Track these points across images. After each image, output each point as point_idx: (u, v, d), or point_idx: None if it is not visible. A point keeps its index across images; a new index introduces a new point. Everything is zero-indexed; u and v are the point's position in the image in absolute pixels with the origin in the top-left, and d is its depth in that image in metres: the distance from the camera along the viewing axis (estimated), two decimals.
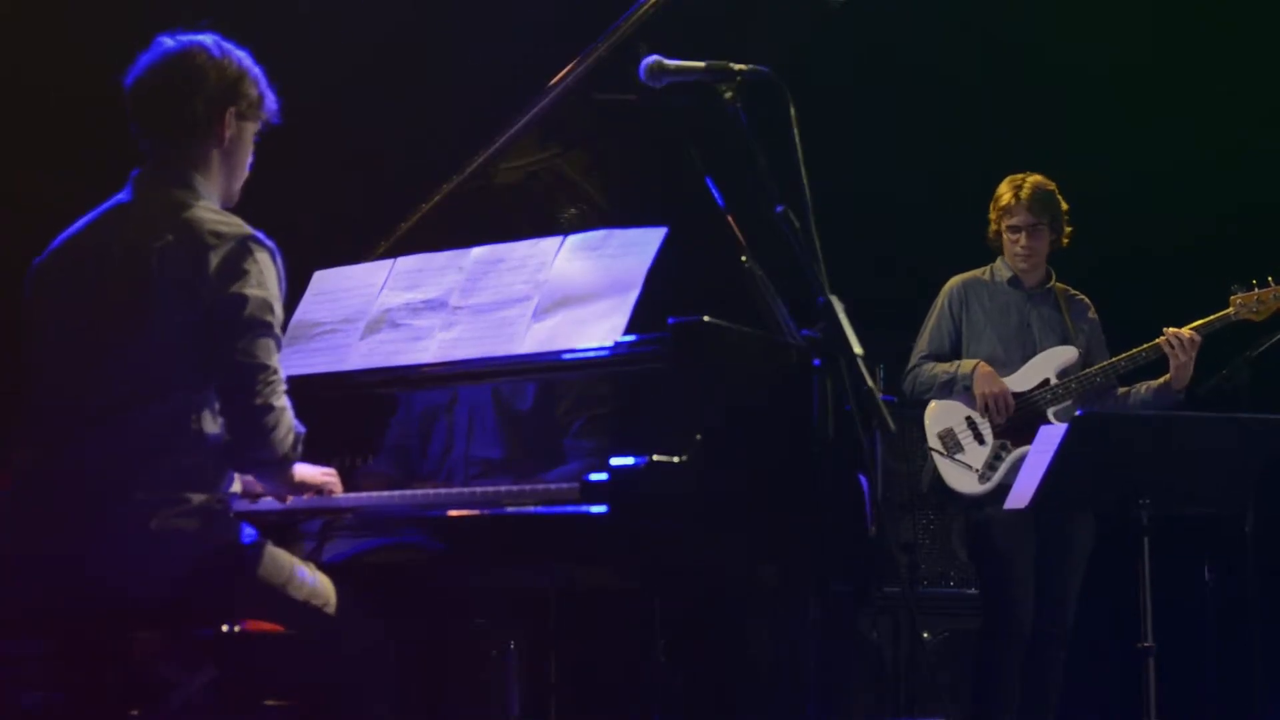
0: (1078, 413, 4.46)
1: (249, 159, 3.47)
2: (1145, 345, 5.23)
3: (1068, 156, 6.49)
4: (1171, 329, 5.18)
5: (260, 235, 3.30)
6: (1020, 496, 4.57)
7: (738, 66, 3.25)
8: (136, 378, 3.21)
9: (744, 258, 3.82)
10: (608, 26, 3.86)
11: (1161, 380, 5.26)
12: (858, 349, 3.00)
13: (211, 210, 3.33)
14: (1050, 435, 4.48)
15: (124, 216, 3.36)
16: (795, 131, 3.12)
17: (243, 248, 3.25)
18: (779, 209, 3.10)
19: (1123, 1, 6.70)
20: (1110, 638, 6.04)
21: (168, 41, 3.40)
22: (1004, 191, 5.42)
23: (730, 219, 3.82)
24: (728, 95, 3.25)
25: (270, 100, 3.47)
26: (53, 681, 3.18)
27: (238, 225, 3.29)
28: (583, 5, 4.39)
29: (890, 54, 6.73)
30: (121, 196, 3.40)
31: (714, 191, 3.81)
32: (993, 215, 5.47)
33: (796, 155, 3.11)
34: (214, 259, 3.21)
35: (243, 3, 5.62)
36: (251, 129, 3.45)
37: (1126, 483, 4.45)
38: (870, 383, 3.00)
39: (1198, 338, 5.16)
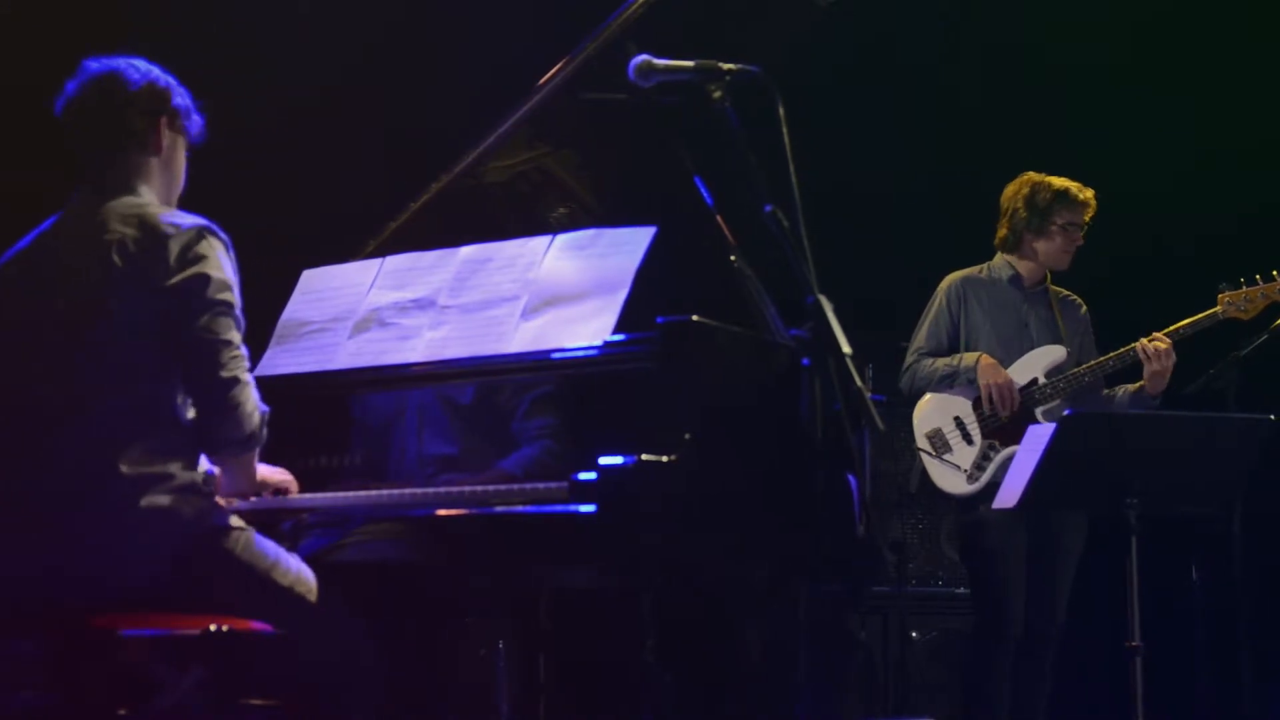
0: (1066, 412, 4.47)
1: (183, 174, 3.55)
2: (1131, 345, 5.24)
3: (1066, 156, 6.50)
4: (1143, 340, 5.18)
5: (215, 226, 3.37)
6: (1009, 496, 4.58)
7: (726, 66, 3.25)
8: (106, 369, 3.25)
9: (733, 257, 3.82)
10: (597, 26, 3.86)
11: (1137, 385, 5.27)
12: (846, 349, 2.99)
13: (162, 208, 3.41)
14: (1038, 434, 4.48)
15: (76, 221, 3.41)
16: (784, 131, 3.11)
17: (199, 236, 3.32)
18: (768, 208, 3.10)
19: (1122, 2, 6.72)
20: (1098, 637, 6.05)
21: (93, 64, 3.49)
22: (1068, 186, 5.37)
23: (719, 218, 3.81)
24: (716, 95, 3.24)
25: (196, 120, 3.56)
26: (40, 681, 3.18)
27: (190, 217, 3.37)
28: (572, 4, 4.38)
29: (880, 52, 6.74)
30: (69, 209, 3.46)
31: (703, 191, 3.81)
32: (1051, 204, 5.37)
33: (786, 155, 3.10)
34: (173, 246, 3.29)
35: (238, 5, 5.62)
36: (183, 143, 3.54)
37: (1115, 482, 4.46)
38: (859, 382, 3.00)
39: (1165, 345, 5.14)
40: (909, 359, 5.45)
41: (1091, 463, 4.44)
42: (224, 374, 3.27)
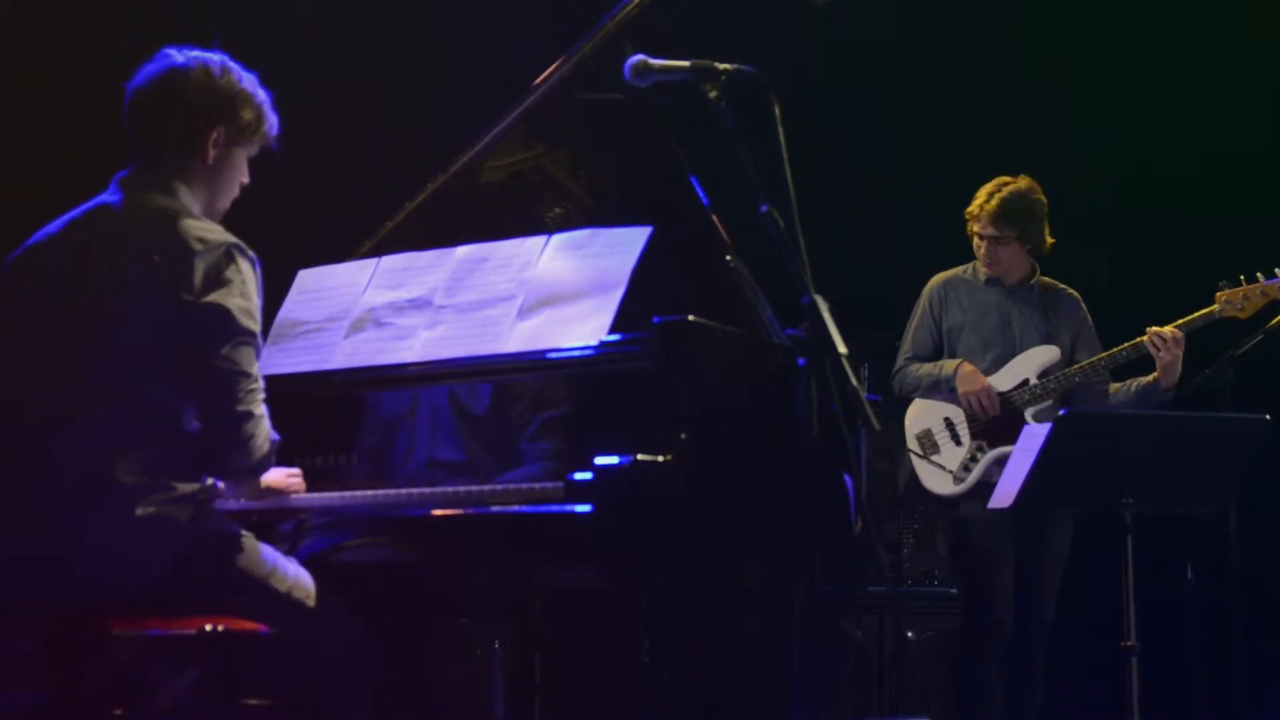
0: (1061, 412, 4.46)
1: (238, 180, 3.49)
2: (1126, 344, 5.21)
3: (1066, 156, 6.51)
4: (1154, 328, 5.17)
5: (243, 245, 3.32)
6: (1004, 496, 4.57)
7: (722, 66, 3.25)
8: (113, 373, 3.22)
9: (729, 257, 3.83)
10: (593, 25, 3.86)
11: (1150, 378, 5.22)
12: (842, 348, 2.99)
13: (195, 218, 3.34)
14: (1034, 435, 4.48)
15: (107, 217, 3.37)
16: (780, 131, 3.11)
17: (227, 256, 3.27)
18: (764, 209, 3.10)
19: (1122, 2, 6.72)
20: (1093, 637, 6.04)
21: (174, 55, 3.42)
22: (978, 197, 5.35)
23: (715, 218, 3.82)
24: (712, 95, 3.24)
25: (271, 125, 3.48)
26: (35, 681, 3.18)
27: (221, 233, 3.32)
28: (570, 4, 4.39)
29: (880, 52, 6.73)
30: (105, 197, 3.41)
31: (699, 191, 3.82)
32: (966, 215, 5.41)
33: (781, 155, 3.10)
34: (199, 265, 3.24)
35: (238, 5, 5.63)
36: (243, 152, 3.47)
37: (1110, 482, 4.45)
38: (855, 382, 3.00)
39: (1181, 335, 5.14)
40: (898, 363, 5.48)
41: (1087, 462, 4.43)
42: (239, 408, 3.25)
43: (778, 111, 3.12)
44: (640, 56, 3.29)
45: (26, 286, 3.38)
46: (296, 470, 3.62)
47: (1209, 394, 5.11)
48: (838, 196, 6.13)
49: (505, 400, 3.62)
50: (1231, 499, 4.81)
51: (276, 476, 3.57)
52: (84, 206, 3.42)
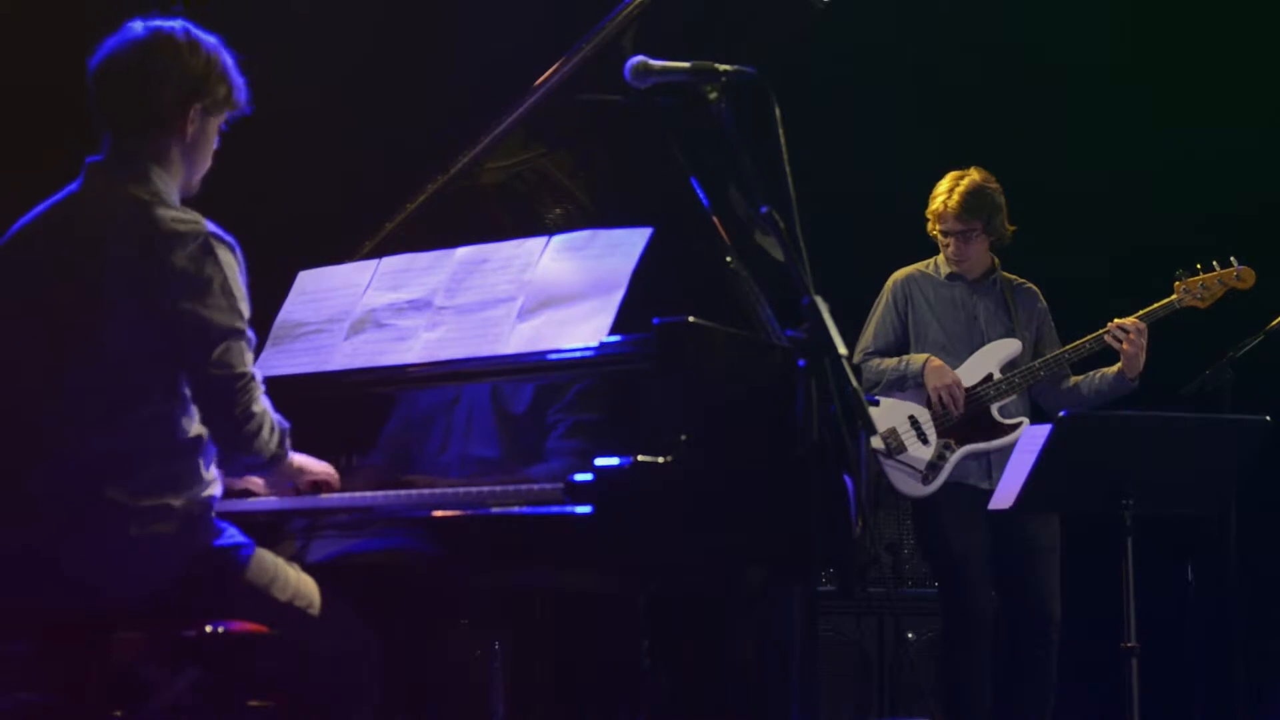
0: (1061, 414, 4.44)
1: (212, 151, 3.39)
2: (1089, 336, 5.19)
3: (1066, 156, 6.51)
4: (1117, 319, 5.14)
5: (218, 231, 3.23)
6: (1004, 497, 4.57)
7: (722, 67, 3.25)
8: (102, 391, 3.14)
9: (729, 258, 3.83)
10: (593, 26, 3.86)
11: (1114, 369, 5.21)
12: (842, 350, 2.99)
13: (169, 209, 3.23)
14: (1035, 435, 4.48)
15: (78, 214, 3.27)
16: (780, 132, 3.11)
17: (204, 248, 3.18)
18: (764, 210, 3.10)
19: (1122, 2, 6.73)
20: (1093, 637, 6.05)
21: (136, 27, 3.31)
22: (937, 194, 5.34)
23: (715, 219, 3.82)
24: (713, 96, 3.24)
25: (240, 91, 3.38)
26: (35, 681, 3.17)
27: (194, 223, 3.21)
28: (568, 5, 4.39)
29: (880, 52, 6.74)
30: (74, 188, 3.32)
31: (699, 192, 3.82)
32: (927, 215, 5.40)
33: (781, 156, 3.10)
34: (176, 263, 3.14)
35: (237, 5, 5.63)
36: (216, 122, 3.37)
37: (1111, 483, 4.45)
38: (855, 383, 3.00)
39: (1143, 325, 5.12)
40: (856, 358, 5.38)
41: (1087, 463, 4.43)
42: (237, 411, 3.19)
43: (778, 112, 3.12)
44: (640, 58, 3.29)
45: (8, 287, 3.29)
46: (331, 469, 3.60)
47: (1209, 394, 5.12)
48: (838, 196, 6.13)
49: (545, 401, 3.60)
50: (1231, 500, 4.82)
51: (311, 461, 3.51)
52: (53, 200, 3.32)
